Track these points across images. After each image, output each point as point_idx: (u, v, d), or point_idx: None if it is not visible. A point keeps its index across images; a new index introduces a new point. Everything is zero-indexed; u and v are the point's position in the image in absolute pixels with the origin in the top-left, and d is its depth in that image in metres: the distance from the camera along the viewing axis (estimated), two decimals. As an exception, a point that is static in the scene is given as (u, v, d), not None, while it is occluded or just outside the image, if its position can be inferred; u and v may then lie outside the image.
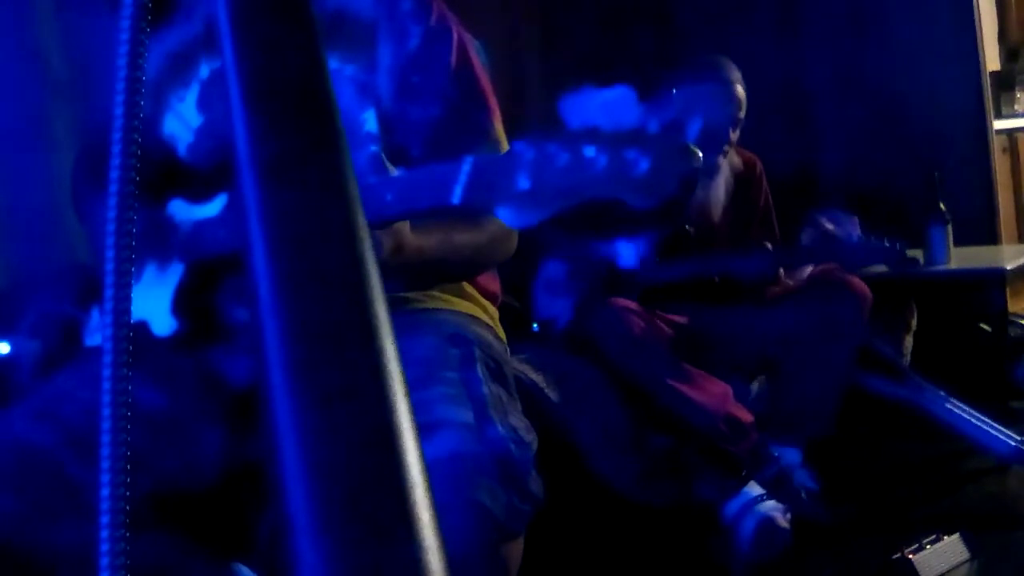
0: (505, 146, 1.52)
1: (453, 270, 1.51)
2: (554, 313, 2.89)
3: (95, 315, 1.48)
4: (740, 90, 2.82)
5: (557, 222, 0.97)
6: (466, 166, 1.05)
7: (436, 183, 1.08)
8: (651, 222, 0.95)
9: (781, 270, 2.80)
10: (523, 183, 0.99)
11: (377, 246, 1.18)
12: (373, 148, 1.21)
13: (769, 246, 2.80)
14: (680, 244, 2.84)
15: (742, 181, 2.96)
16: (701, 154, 0.93)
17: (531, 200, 0.98)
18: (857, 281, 2.70)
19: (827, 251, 2.77)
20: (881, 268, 2.78)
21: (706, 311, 2.79)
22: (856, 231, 2.82)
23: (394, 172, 1.20)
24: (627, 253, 2.87)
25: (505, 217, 1.00)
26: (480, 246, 1.47)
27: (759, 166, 3.01)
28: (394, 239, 1.22)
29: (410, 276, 1.41)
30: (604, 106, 0.97)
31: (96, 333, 1.47)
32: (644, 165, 0.94)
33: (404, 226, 1.24)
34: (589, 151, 0.96)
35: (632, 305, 2.73)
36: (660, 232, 2.79)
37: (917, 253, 3.23)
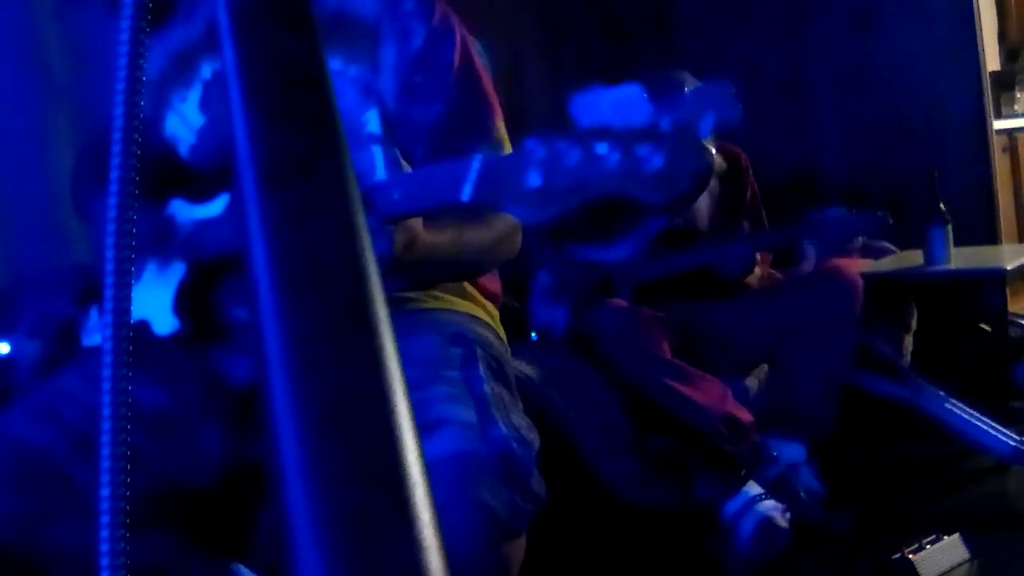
0: (507, 146, 1.52)
1: (460, 269, 1.51)
2: (551, 320, 2.89)
3: (94, 314, 1.48)
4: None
5: (563, 227, 0.97)
6: (476, 163, 1.04)
7: (446, 180, 1.08)
8: (656, 217, 0.95)
9: (758, 256, 2.79)
10: (534, 180, 0.98)
11: (389, 242, 1.18)
12: (390, 146, 1.21)
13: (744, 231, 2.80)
14: (669, 241, 2.84)
15: (724, 176, 2.95)
16: (713, 150, 0.93)
17: (542, 197, 0.97)
18: (848, 268, 2.71)
19: (810, 228, 2.76)
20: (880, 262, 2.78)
21: (699, 307, 2.79)
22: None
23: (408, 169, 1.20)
24: (616, 253, 2.87)
25: (516, 214, 1.00)
26: (488, 245, 1.46)
27: (744, 160, 3.00)
28: (407, 234, 1.22)
29: (417, 274, 1.41)
30: (615, 105, 0.96)
31: (95, 333, 1.47)
32: (657, 162, 0.93)
33: (417, 222, 1.24)
34: (601, 148, 0.95)
35: (627, 305, 2.73)
36: (649, 229, 2.79)
37: (917, 253, 3.23)
